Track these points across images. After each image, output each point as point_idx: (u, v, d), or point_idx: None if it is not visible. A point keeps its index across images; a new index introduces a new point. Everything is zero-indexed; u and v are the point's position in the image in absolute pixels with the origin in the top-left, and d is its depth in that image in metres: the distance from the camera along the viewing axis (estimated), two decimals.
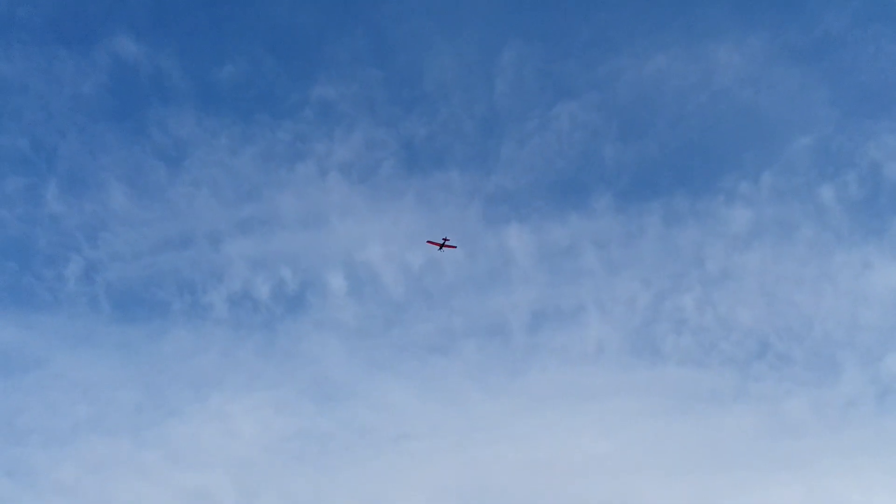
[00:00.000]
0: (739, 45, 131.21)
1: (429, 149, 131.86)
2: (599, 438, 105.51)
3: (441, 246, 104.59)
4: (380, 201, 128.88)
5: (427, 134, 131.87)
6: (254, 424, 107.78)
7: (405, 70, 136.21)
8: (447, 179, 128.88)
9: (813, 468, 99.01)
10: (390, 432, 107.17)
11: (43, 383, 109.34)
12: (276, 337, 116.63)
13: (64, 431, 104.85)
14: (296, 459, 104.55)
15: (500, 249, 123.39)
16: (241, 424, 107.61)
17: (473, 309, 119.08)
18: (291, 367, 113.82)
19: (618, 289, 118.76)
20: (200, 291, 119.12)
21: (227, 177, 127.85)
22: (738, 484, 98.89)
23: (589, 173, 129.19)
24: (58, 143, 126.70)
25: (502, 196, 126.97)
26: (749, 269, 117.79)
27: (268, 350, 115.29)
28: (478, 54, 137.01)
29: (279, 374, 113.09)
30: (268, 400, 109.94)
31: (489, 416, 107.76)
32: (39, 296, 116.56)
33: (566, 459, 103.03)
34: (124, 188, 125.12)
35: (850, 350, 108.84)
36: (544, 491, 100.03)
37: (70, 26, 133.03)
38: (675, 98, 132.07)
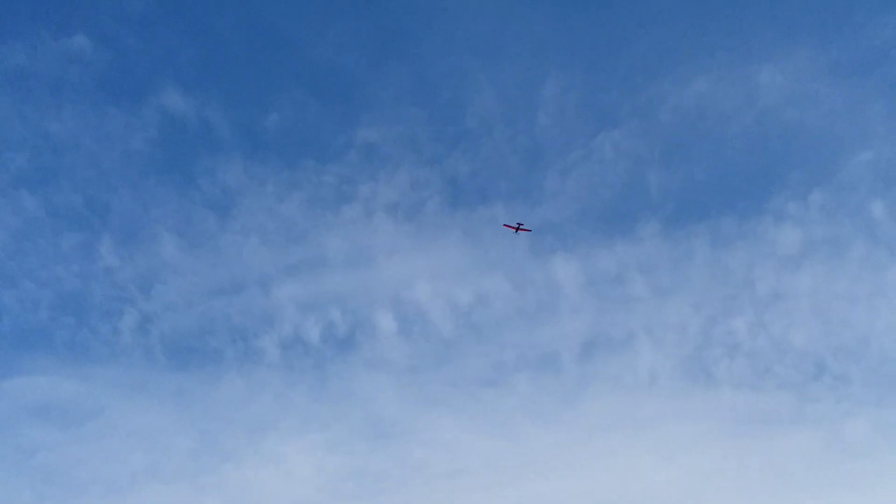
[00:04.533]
0: (782, 64, 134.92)
1: (473, 184, 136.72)
2: (657, 466, 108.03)
3: (517, 229, 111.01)
4: (426, 239, 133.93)
5: (471, 170, 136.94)
6: (308, 466, 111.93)
7: (447, 107, 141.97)
8: (492, 214, 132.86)
9: (877, 490, 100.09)
10: (445, 468, 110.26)
11: (100, 434, 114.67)
12: (328, 378, 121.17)
13: (123, 481, 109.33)
14: (352, 499, 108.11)
15: (547, 281, 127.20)
16: (296, 466, 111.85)
17: (523, 341, 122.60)
18: (344, 408, 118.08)
19: (668, 315, 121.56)
20: (252, 337, 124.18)
21: (274, 223, 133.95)
22: None
23: (634, 200, 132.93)
24: (110, 199, 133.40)
25: (548, 227, 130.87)
26: (801, 290, 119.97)
27: (320, 392, 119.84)
28: (519, 88, 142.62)
29: (332, 414, 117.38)
30: (321, 441, 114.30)
31: (544, 448, 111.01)
32: (96, 349, 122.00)
33: (624, 489, 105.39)
34: (175, 239, 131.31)
35: None
36: None
37: (119, 84, 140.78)
38: (719, 121, 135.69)
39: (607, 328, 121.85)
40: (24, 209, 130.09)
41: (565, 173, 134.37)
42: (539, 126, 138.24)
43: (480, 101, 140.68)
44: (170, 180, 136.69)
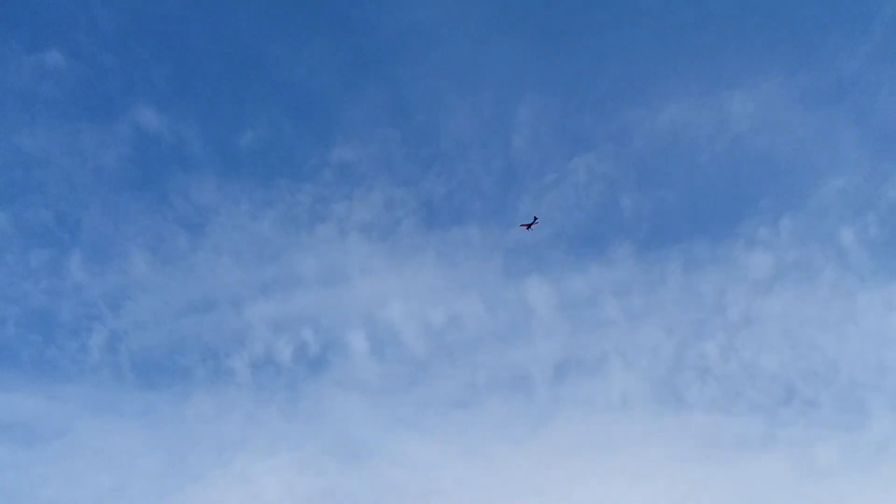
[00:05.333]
0: (753, 91, 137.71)
1: (448, 205, 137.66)
2: (628, 489, 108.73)
3: (530, 226, 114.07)
4: (400, 259, 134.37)
5: (446, 191, 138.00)
6: (278, 486, 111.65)
7: (422, 129, 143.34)
8: (467, 235, 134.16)
9: None
10: (416, 489, 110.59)
11: (66, 453, 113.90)
12: (299, 398, 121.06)
13: (88, 502, 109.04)
14: None
15: (520, 302, 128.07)
16: (266, 487, 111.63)
17: (496, 363, 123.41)
18: (315, 428, 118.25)
19: (640, 338, 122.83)
20: (223, 356, 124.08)
21: (248, 241, 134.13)
22: None
23: (607, 224, 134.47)
24: (81, 215, 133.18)
25: (521, 249, 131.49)
26: (771, 314, 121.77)
27: (291, 411, 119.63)
28: (494, 111, 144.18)
29: (302, 434, 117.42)
30: (291, 461, 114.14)
31: (515, 470, 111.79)
32: (63, 367, 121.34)
33: None
34: (147, 256, 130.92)
35: (877, 392, 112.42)
36: None
37: (92, 100, 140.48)
38: (691, 147, 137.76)
39: (580, 350, 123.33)
40: None
41: (540, 196, 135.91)
42: (514, 149, 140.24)
43: (455, 123, 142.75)
44: (142, 197, 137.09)
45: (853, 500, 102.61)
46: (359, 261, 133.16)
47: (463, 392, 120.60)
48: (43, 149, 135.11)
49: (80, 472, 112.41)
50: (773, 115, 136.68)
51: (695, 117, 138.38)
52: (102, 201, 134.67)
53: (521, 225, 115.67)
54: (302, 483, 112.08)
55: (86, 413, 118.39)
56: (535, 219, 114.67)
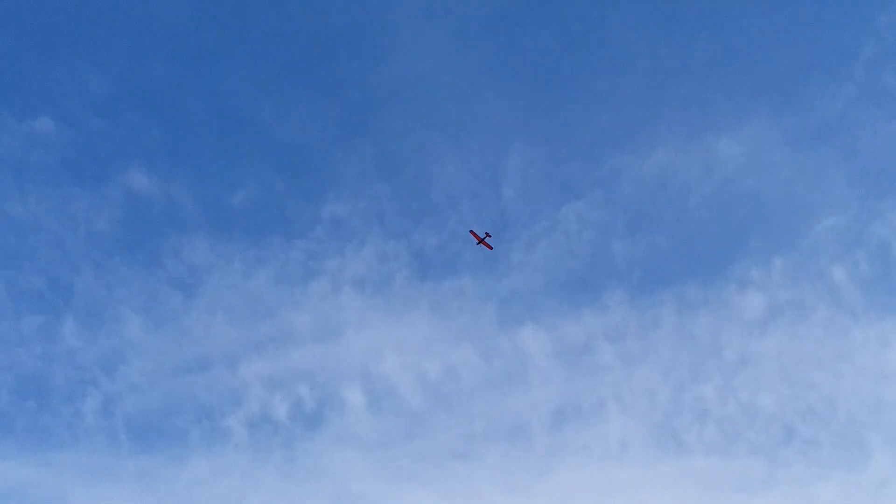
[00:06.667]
0: (739, 134, 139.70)
1: (440, 257, 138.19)
2: None
3: (481, 241, 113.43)
4: (394, 312, 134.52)
5: (437, 243, 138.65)
6: None
7: (413, 182, 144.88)
8: (460, 286, 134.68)
9: None
10: None
11: None
12: (296, 456, 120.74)
13: None
14: None
15: (515, 351, 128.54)
16: None
17: (493, 412, 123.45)
18: (313, 486, 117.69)
19: (636, 382, 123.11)
20: (219, 416, 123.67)
21: (241, 300, 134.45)
22: None
23: (600, 270, 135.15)
24: (73, 280, 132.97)
25: (515, 298, 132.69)
26: (767, 354, 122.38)
27: (288, 469, 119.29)
28: (484, 161, 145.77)
29: (300, 492, 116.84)
30: None
31: None
32: (57, 434, 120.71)
33: None
34: (140, 318, 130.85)
35: (876, 430, 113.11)
36: None
37: (83, 165, 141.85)
38: (680, 191, 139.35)
39: (577, 397, 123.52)
40: None
41: (531, 244, 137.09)
42: (504, 199, 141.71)
43: (445, 174, 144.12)
44: (134, 260, 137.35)
45: None
46: (353, 315, 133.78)
47: (461, 443, 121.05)
48: (34, 215, 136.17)
49: None
50: (760, 157, 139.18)
51: (682, 162, 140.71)
52: (95, 265, 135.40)
53: (471, 232, 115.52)
54: None
55: (81, 479, 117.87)
56: (488, 234, 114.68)
